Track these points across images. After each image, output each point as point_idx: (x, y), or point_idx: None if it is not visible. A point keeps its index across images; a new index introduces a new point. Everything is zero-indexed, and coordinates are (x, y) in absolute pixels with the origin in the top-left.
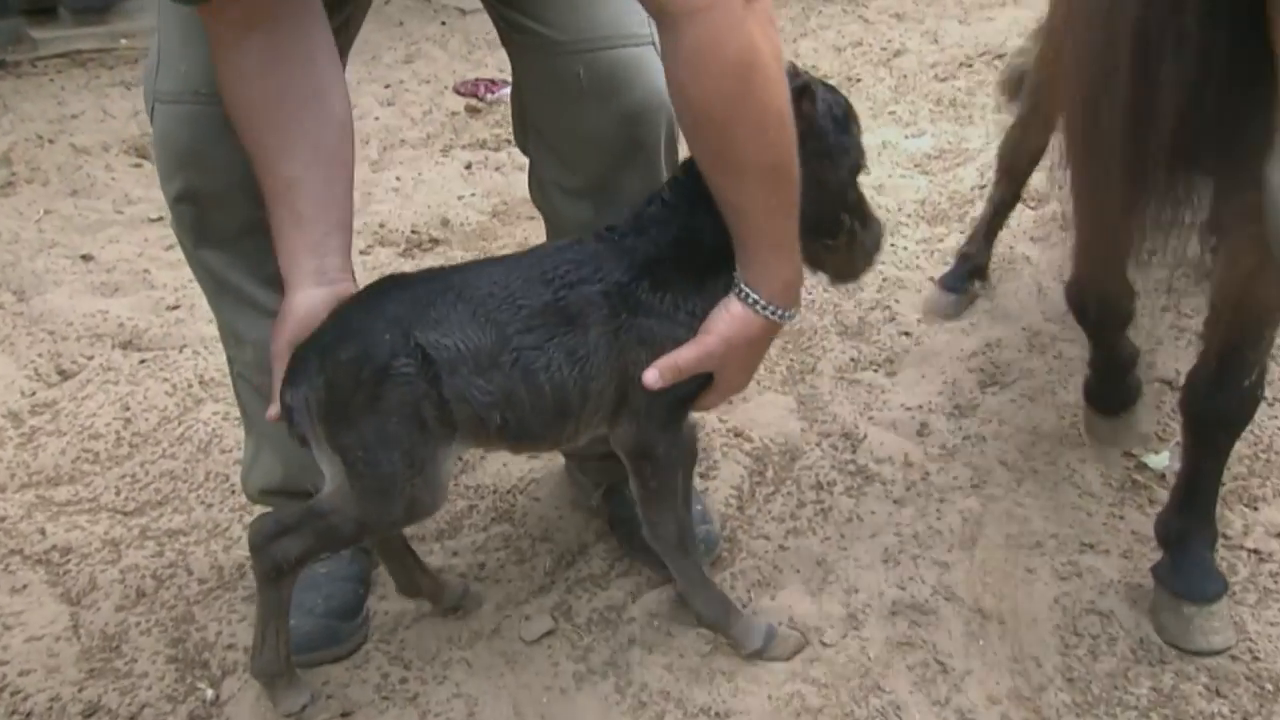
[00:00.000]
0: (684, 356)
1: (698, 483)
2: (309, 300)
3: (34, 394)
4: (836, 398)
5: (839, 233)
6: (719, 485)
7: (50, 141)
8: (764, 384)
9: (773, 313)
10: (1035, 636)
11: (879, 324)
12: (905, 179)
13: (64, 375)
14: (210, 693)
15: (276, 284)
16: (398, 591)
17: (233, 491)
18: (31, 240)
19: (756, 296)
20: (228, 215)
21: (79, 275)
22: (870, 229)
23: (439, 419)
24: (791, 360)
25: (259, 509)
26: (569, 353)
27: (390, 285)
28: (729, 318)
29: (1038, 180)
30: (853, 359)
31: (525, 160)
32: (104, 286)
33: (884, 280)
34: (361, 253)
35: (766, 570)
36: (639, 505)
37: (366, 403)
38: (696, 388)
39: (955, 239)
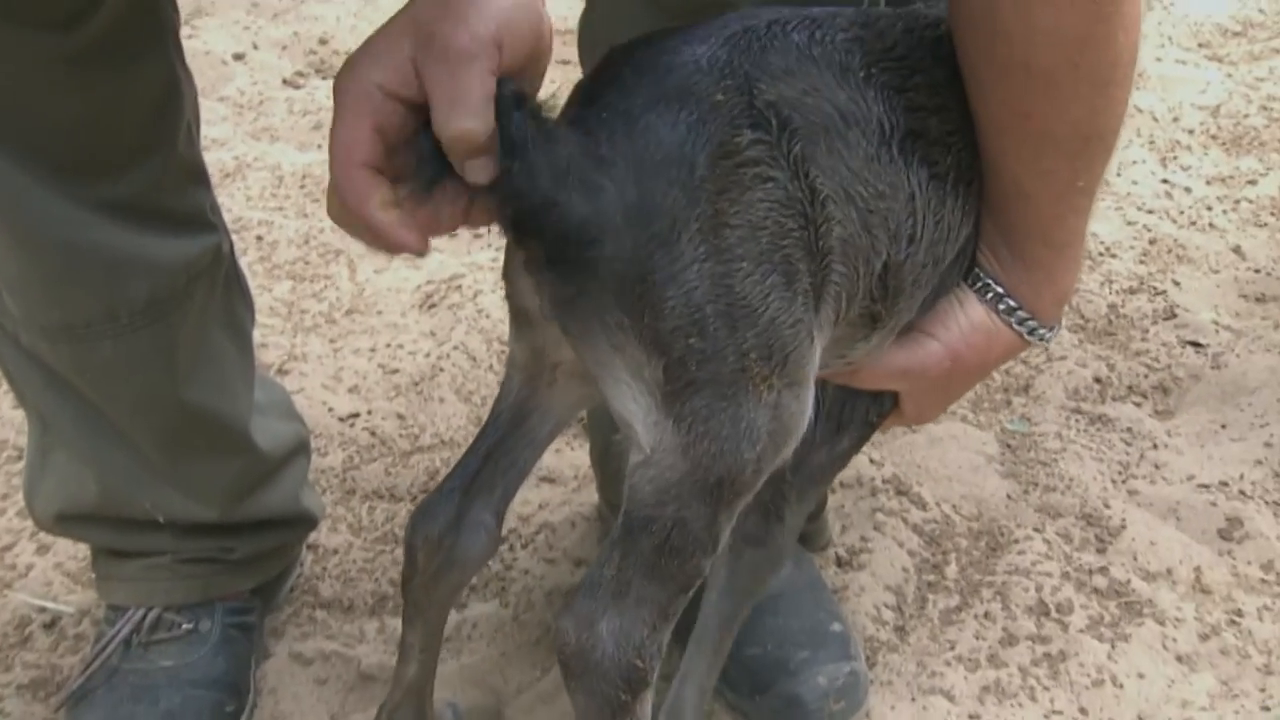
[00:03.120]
0: (892, 363)
1: (835, 576)
2: None
3: None
4: (1071, 446)
5: None
6: (867, 582)
7: None
8: (959, 402)
9: (1032, 330)
10: None
11: (1144, 320)
12: (1184, 67)
13: None
14: None
15: (56, 161)
16: None
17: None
18: None
19: (1015, 304)
20: None
21: None
22: None
23: (805, 249)
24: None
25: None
26: (947, 124)
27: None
28: (967, 325)
29: None
30: (1099, 379)
31: None
32: None
33: (1151, 243)
34: (286, 82)
35: None
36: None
37: (707, 226)
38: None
39: (1274, 181)
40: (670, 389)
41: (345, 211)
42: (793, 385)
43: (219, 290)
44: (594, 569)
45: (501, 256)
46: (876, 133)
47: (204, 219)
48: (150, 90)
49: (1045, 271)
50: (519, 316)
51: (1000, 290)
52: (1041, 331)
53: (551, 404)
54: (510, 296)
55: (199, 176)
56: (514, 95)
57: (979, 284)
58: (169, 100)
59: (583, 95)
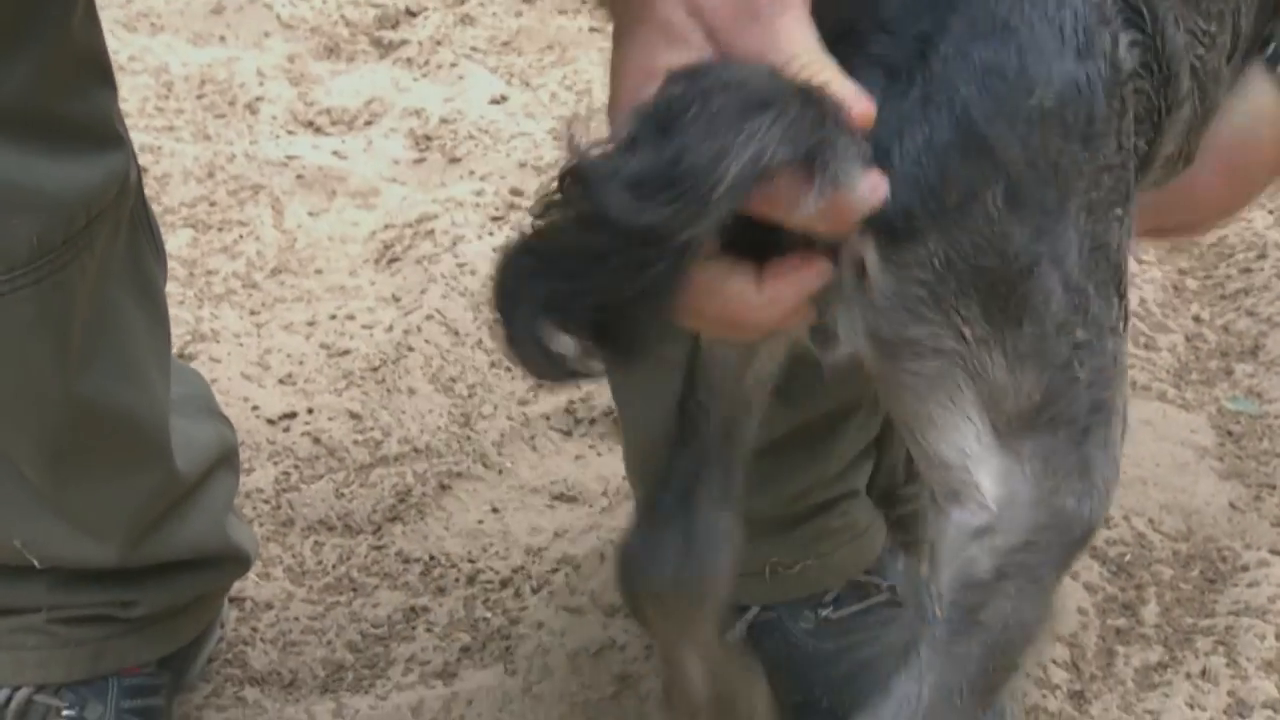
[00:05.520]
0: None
1: None
2: None
3: None
4: None
5: None
6: None
7: None
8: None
9: None
10: None
11: None
12: None
13: None
14: None
15: None
16: None
17: None
18: None
19: None
20: None
21: None
22: None
23: (1140, 165)
24: (1201, 285)
25: None
26: None
27: None
28: (1250, 115)
29: None
30: None
31: None
32: None
33: None
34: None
35: None
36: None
37: (1090, 180)
38: None
39: None
40: (1041, 416)
41: None
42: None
43: (122, 235)
44: (902, 684)
45: (487, 186)
46: None
47: (109, 130)
48: None
49: None
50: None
51: None
52: None
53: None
54: None
55: (101, 71)
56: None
57: (1271, 53)
58: None
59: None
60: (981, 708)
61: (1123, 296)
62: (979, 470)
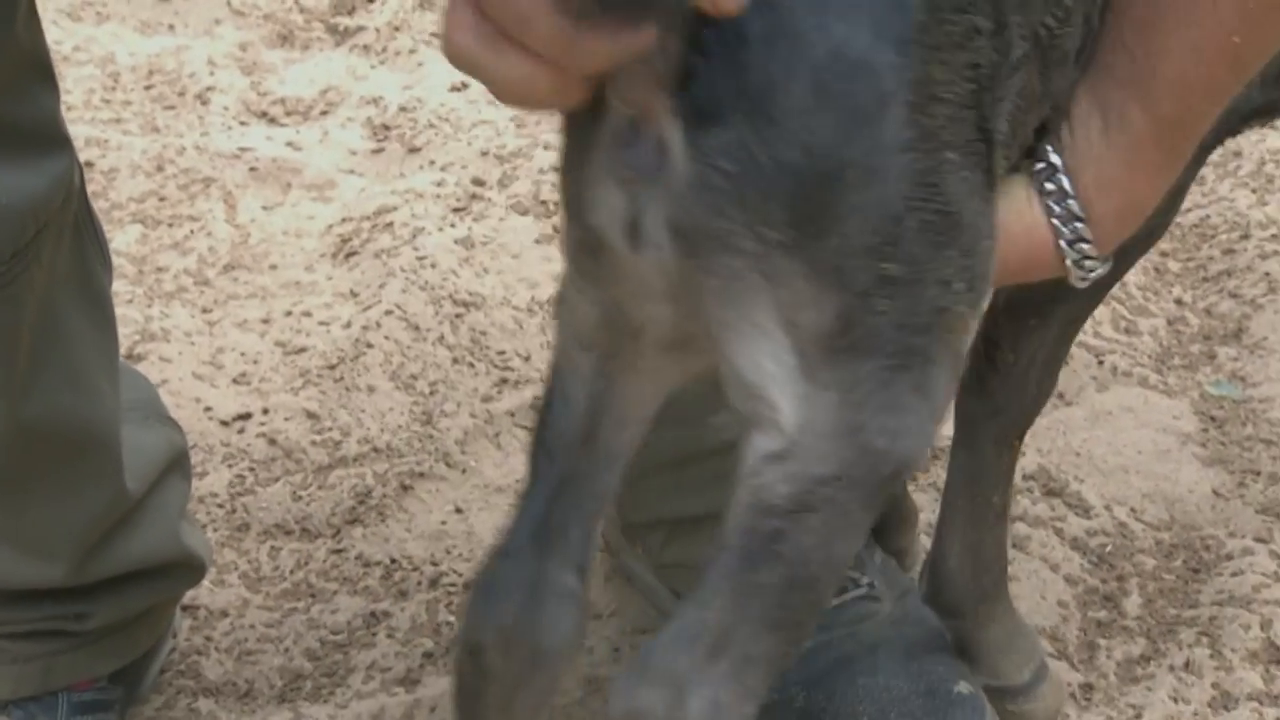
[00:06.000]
0: None
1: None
2: None
3: None
4: None
5: None
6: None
7: None
8: (1138, 358)
9: (1077, 239)
10: None
11: None
12: None
13: None
14: None
15: None
16: None
17: None
18: None
19: (1069, 205)
20: None
21: None
22: None
23: (983, 131)
24: (1183, 267)
25: None
26: None
27: None
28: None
29: None
30: None
31: None
32: None
33: None
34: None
35: None
36: None
37: (918, 100)
38: None
39: None
40: (839, 343)
41: None
42: (977, 322)
43: (67, 241)
44: (686, 611)
45: (448, 176)
46: None
47: (55, 133)
48: None
49: (1141, 160)
50: (586, 252)
51: (1060, 176)
52: (1087, 247)
53: (635, 394)
54: (575, 213)
55: (44, 72)
56: None
57: (1043, 168)
58: None
59: None
60: (782, 644)
61: (967, 256)
62: (777, 391)
